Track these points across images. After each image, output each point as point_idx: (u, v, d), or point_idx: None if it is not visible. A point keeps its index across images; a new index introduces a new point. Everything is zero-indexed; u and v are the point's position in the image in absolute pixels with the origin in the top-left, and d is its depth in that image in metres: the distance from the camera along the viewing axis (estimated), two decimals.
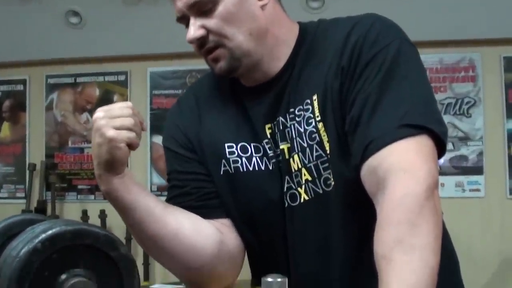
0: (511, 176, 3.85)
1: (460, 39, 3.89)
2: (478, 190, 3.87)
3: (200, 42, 1.28)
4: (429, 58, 3.92)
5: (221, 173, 1.38)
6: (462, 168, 3.88)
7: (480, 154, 3.87)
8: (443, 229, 1.26)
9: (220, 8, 1.27)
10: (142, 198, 1.28)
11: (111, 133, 1.18)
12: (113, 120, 1.19)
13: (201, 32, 1.27)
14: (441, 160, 3.81)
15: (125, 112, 1.21)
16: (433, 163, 1.13)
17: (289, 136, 1.31)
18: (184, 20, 1.31)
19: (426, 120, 1.15)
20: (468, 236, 3.74)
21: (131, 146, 1.22)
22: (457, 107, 3.91)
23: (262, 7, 1.32)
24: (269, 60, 1.33)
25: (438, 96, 3.90)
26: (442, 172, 3.84)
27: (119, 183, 1.24)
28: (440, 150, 1.18)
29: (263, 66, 1.33)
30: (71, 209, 4.30)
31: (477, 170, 3.88)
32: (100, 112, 1.21)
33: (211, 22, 1.27)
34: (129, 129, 1.20)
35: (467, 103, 3.91)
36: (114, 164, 1.22)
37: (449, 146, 3.83)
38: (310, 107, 1.28)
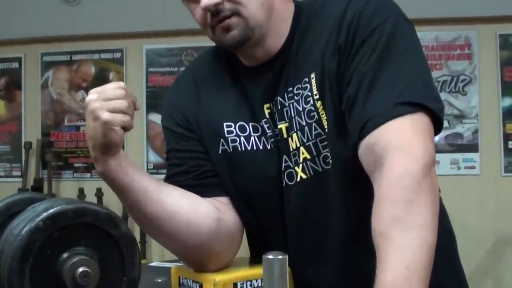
0: (506, 154, 3.87)
1: (456, 16, 3.88)
2: (473, 167, 3.89)
3: (214, 10, 1.25)
4: (425, 35, 3.91)
5: (220, 152, 1.38)
6: (457, 145, 3.90)
7: (475, 132, 3.89)
8: (441, 207, 1.27)
9: None
10: (138, 178, 1.28)
11: (105, 115, 1.17)
12: (107, 102, 1.18)
13: None
14: (436, 138, 3.80)
15: (119, 93, 1.19)
16: (430, 141, 1.14)
17: (287, 115, 1.32)
18: None
19: (423, 97, 1.15)
20: (463, 214, 3.76)
21: (126, 128, 1.21)
22: (453, 84, 3.92)
23: None
24: (272, 36, 1.33)
25: (434, 74, 3.90)
26: (438, 149, 3.84)
27: (115, 164, 1.24)
28: (437, 126, 1.19)
29: (266, 42, 1.33)
30: (68, 188, 4.31)
31: (472, 147, 3.89)
32: (93, 94, 1.19)
33: None
34: (123, 112, 1.19)
35: (462, 80, 3.92)
36: (109, 146, 1.21)
37: (445, 123, 3.78)
38: (308, 85, 1.28)
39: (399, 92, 1.15)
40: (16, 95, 4.44)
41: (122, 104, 1.19)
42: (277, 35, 1.33)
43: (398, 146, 1.10)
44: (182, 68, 4.02)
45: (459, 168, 3.89)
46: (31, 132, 4.39)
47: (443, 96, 3.85)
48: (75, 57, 4.35)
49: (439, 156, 3.83)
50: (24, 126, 4.42)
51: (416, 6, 3.65)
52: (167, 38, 4.20)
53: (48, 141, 4.35)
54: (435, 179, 1.11)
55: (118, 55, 4.30)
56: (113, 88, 1.20)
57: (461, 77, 3.91)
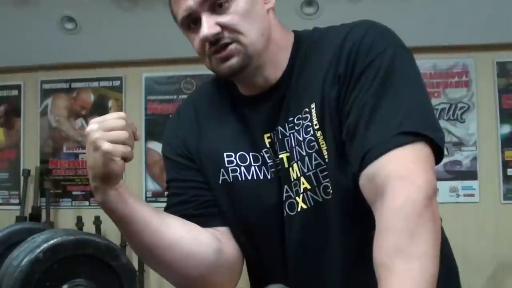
0: (505, 181, 3.86)
1: (453, 44, 3.90)
2: (472, 195, 3.88)
3: (214, 40, 1.26)
4: (422, 63, 3.93)
5: (220, 182, 1.38)
6: (456, 173, 3.89)
7: (474, 159, 3.89)
8: (443, 236, 1.27)
9: (236, 4, 1.27)
10: (138, 209, 1.27)
11: (106, 146, 1.17)
12: (107, 133, 1.18)
13: (217, 29, 1.26)
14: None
15: (119, 124, 1.19)
16: (431, 170, 1.14)
17: (288, 145, 1.32)
18: (188, 20, 1.29)
19: (424, 127, 1.16)
20: (462, 241, 3.74)
21: (126, 159, 1.21)
22: (451, 112, 3.92)
23: (268, 10, 1.33)
24: (270, 65, 1.34)
25: (432, 102, 3.86)
26: (436, 177, 3.83)
27: (115, 195, 1.24)
28: (437, 155, 1.19)
29: (265, 71, 1.33)
30: (66, 216, 4.29)
31: (471, 175, 3.89)
32: (94, 124, 1.19)
33: (227, 18, 1.26)
34: (123, 142, 1.19)
35: (460, 108, 3.92)
36: (109, 177, 1.21)
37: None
38: (309, 115, 1.28)
39: (399, 122, 1.15)
40: (15, 122, 4.44)
41: (122, 135, 1.19)
42: (276, 64, 1.34)
43: (399, 176, 1.10)
44: (181, 96, 4.04)
45: (458, 195, 3.88)
46: (30, 159, 4.38)
47: (441, 123, 3.81)
48: (74, 85, 4.36)
49: (438, 184, 3.80)
50: (22, 153, 4.41)
51: (414, 34, 3.67)
52: (166, 66, 4.22)
53: (46, 168, 4.34)
54: (437, 209, 1.11)
55: (117, 83, 4.31)
56: (114, 118, 1.21)
57: (459, 105, 3.92)
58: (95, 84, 4.34)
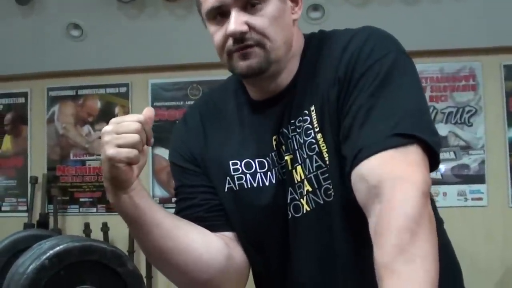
0: None
1: (460, 48, 3.89)
2: (480, 199, 3.86)
3: (239, 38, 1.26)
4: (429, 67, 3.92)
5: (226, 190, 1.38)
6: (464, 177, 3.88)
7: (482, 163, 3.87)
8: (446, 239, 1.26)
9: (269, 9, 1.27)
10: (149, 213, 1.27)
11: (110, 152, 1.17)
12: (118, 136, 1.18)
13: (245, 27, 1.26)
14: (442, 169, 3.81)
15: (132, 128, 1.18)
16: (425, 172, 1.14)
17: (291, 148, 1.32)
18: (217, 11, 1.28)
19: (418, 130, 1.16)
20: (471, 245, 3.73)
21: (131, 163, 1.20)
22: (458, 116, 3.91)
23: (294, 21, 1.35)
24: (285, 73, 1.35)
25: (439, 105, 3.91)
26: (444, 181, 3.84)
27: (126, 198, 1.24)
28: (434, 160, 1.18)
29: (279, 77, 1.34)
30: (73, 222, 4.29)
31: (479, 179, 3.87)
32: (109, 126, 1.20)
33: (258, 20, 1.27)
34: (132, 146, 1.18)
35: (468, 112, 3.91)
36: (116, 181, 1.21)
37: (451, 155, 3.83)
38: (309, 118, 1.29)
39: (393, 124, 1.16)
40: (22, 130, 4.45)
41: (131, 139, 1.18)
42: (289, 71, 1.35)
43: (395, 176, 1.10)
44: (188, 102, 4.04)
45: (466, 199, 3.87)
46: (37, 166, 4.38)
47: (448, 127, 3.85)
48: (81, 92, 4.37)
49: (446, 188, 3.82)
50: (30, 160, 4.41)
51: (420, 38, 3.67)
52: (172, 72, 4.22)
53: (53, 175, 4.35)
54: (431, 209, 1.11)
55: (123, 89, 4.31)
56: (129, 121, 1.20)
57: (467, 108, 3.91)
58: (102, 91, 4.35)
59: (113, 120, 1.21)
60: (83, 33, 4.07)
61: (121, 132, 1.18)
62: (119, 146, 1.17)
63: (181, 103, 4.17)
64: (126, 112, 4.26)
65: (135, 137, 1.18)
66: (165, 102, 4.23)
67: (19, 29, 4.07)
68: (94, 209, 4.26)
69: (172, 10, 3.73)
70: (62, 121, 4.38)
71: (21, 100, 4.46)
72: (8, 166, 4.44)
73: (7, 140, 4.47)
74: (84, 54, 4.11)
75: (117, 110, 4.30)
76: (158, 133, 4.14)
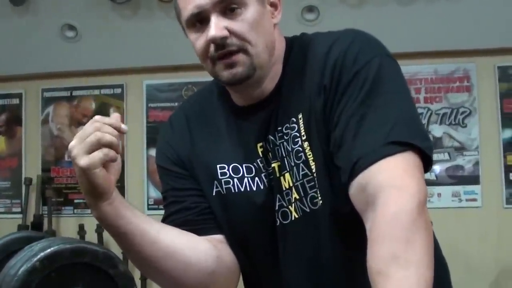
0: (508, 186, 3.85)
1: (455, 49, 3.90)
2: (474, 200, 3.87)
3: (221, 44, 1.25)
4: (424, 68, 3.93)
5: (214, 194, 1.38)
6: (458, 178, 3.88)
7: (476, 163, 3.88)
8: (434, 239, 1.27)
9: (248, 13, 1.25)
10: (134, 222, 1.26)
11: (82, 162, 1.15)
12: (83, 144, 1.16)
13: (225, 32, 1.24)
14: (437, 170, 3.82)
15: (90, 130, 1.16)
16: (421, 179, 1.14)
17: (279, 155, 1.32)
18: (196, 18, 1.26)
19: (412, 137, 1.16)
20: (465, 246, 3.73)
21: (110, 160, 1.18)
22: (453, 117, 3.92)
23: (274, 25, 1.33)
24: (268, 77, 1.33)
25: (434, 106, 3.91)
26: (439, 182, 3.84)
27: (110, 209, 1.22)
28: (426, 164, 1.19)
29: (264, 83, 1.33)
30: (68, 224, 4.28)
31: (473, 179, 3.88)
32: (73, 141, 1.18)
33: (237, 25, 1.25)
34: (98, 145, 1.16)
35: (462, 113, 3.92)
36: (97, 191, 1.19)
37: (445, 156, 3.83)
38: (296, 125, 1.29)
39: (387, 132, 1.16)
40: (17, 131, 4.44)
41: (94, 137, 1.16)
42: (273, 76, 1.34)
43: (391, 185, 1.11)
44: None
45: (460, 200, 3.87)
46: (31, 168, 4.37)
47: (443, 128, 3.86)
48: (76, 93, 4.36)
49: (440, 189, 3.83)
50: (24, 162, 4.41)
51: (414, 40, 3.68)
52: (167, 73, 4.22)
53: (48, 177, 4.34)
54: (428, 216, 1.12)
55: (118, 90, 4.31)
56: (88, 125, 1.18)
57: (461, 109, 3.92)
58: (96, 92, 4.34)
59: (77, 134, 1.19)
60: (78, 34, 4.06)
61: (84, 139, 1.16)
62: (88, 152, 1.15)
63: (176, 104, 4.16)
64: (121, 113, 4.24)
65: (97, 135, 1.16)
66: (159, 103, 4.23)
67: (14, 30, 4.06)
68: (89, 211, 4.23)
69: (166, 11, 3.72)
70: (57, 122, 4.38)
71: (16, 101, 4.45)
72: (2, 167, 4.43)
73: (1, 141, 4.46)
74: (78, 55, 4.11)
75: (111, 111, 4.29)
76: (153, 134, 4.17)
